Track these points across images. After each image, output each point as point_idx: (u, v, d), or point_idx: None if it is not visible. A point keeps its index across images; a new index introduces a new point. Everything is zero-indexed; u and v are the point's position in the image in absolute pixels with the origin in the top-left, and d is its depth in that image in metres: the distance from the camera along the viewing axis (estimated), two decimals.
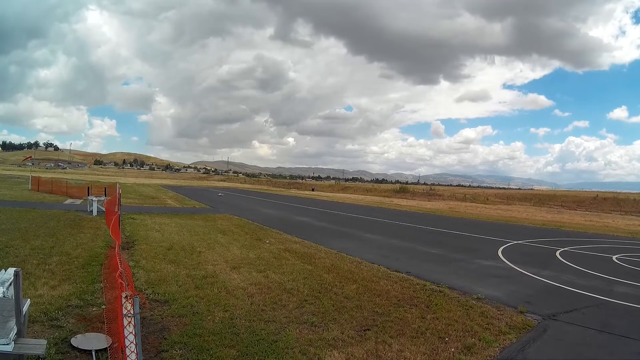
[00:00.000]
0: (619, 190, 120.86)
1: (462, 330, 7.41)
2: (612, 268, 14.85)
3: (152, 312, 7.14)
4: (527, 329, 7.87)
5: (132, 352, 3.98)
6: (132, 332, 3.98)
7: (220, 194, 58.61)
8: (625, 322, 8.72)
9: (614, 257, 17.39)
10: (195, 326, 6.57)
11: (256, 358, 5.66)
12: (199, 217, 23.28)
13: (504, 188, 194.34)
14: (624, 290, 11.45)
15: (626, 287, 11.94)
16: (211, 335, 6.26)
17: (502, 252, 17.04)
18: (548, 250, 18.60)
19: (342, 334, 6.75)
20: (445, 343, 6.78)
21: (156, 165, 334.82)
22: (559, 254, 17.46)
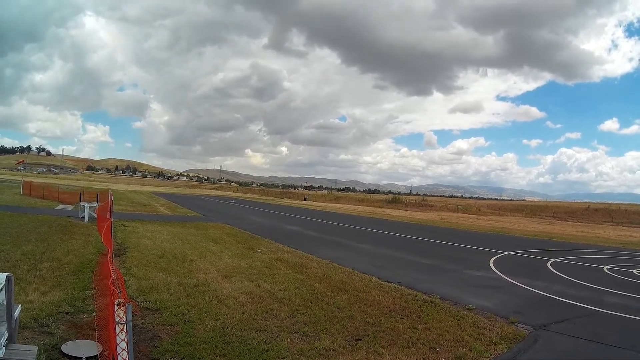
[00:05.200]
0: (610, 201, 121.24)
1: (453, 341, 7.43)
2: (603, 278, 14.94)
3: (143, 320, 7.11)
4: (518, 339, 7.90)
5: (123, 359, 3.97)
6: (124, 340, 3.98)
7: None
8: (615, 332, 8.79)
9: (604, 268, 17.48)
10: (187, 334, 6.56)
11: None
12: (190, 226, 23.22)
13: (496, 199, 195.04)
14: (615, 301, 11.53)
15: (617, 297, 12.02)
16: (202, 344, 6.24)
17: (494, 262, 17.10)
18: (539, 261, 18.67)
19: (334, 343, 6.75)
20: (437, 353, 6.80)
21: (149, 172, 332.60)
22: (550, 264, 17.54)
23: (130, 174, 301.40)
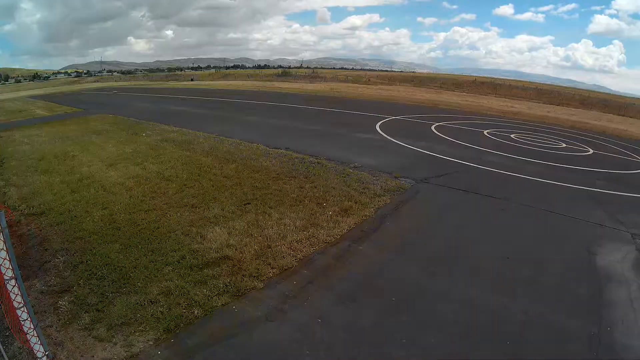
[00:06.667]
0: (496, 77, 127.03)
1: (340, 196, 7.88)
2: (483, 141, 16.19)
3: (29, 227, 6.77)
4: (401, 192, 8.57)
5: (7, 268, 3.80)
6: (2, 249, 3.80)
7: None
8: (490, 184, 9.82)
9: (485, 132, 18.87)
10: (75, 230, 6.35)
11: (139, 247, 5.68)
12: (71, 122, 21.60)
13: (387, 71, 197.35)
14: (491, 159, 12.68)
15: (493, 156, 13.19)
16: (92, 235, 6.11)
17: (380, 126, 17.68)
18: (424, 124, 19.69)
19: (223, 210, 6.93)
20: (323, 208, 7.22)
21: (22, 76, 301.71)
22: (434, 128, 18.57)
23: (2, 82, 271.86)
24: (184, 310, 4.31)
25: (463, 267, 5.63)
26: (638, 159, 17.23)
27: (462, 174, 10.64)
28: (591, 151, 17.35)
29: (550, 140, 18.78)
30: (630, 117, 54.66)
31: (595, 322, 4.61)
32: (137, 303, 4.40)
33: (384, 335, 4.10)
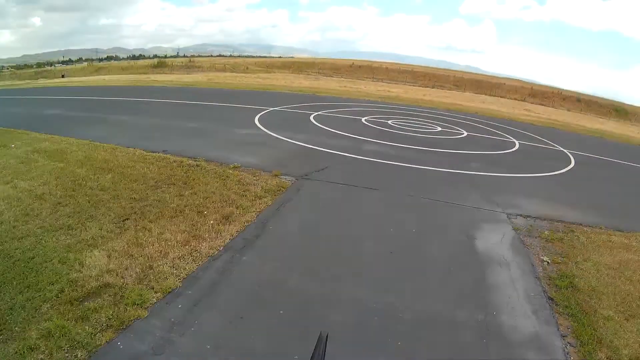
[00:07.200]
0: (373, 60, 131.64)
1: (220, 202, 7.91)
2: (361, 129, 16.96)
3: None
4: (282, 191, 8.83)
5: None
6: None
7: None
8: (369, 175, 10.53)
9: (363, 119, 19.66)
10: None
11: (14, 284, 5.15)
12: None
13: (265, 57, 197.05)
14: (369, 148, 13.46)
15: (371, 145, 13.99)
16: None
17: (259, 119, 17.73)
18: (303, 115, 20.13)
19: (101, 230, 6.59)
20: (205, 217, 7.21)
21: None
22: (313, 117, 19.03)
23: None
24: (67, 354, 4.06)
25: (349, 267, 6.01)
26: (509, 138, 19.03)
27: (342, 165, 11.23)
28: (465, 133, 18.93)
29: (426, 125, 20.12)
30: (501, 97, 60.96)
31: (481, 308, 5.15)
32: (16, 352, 4.06)
33: (277, 354, 4.22)
